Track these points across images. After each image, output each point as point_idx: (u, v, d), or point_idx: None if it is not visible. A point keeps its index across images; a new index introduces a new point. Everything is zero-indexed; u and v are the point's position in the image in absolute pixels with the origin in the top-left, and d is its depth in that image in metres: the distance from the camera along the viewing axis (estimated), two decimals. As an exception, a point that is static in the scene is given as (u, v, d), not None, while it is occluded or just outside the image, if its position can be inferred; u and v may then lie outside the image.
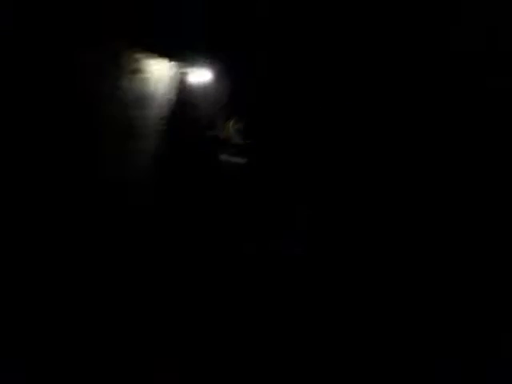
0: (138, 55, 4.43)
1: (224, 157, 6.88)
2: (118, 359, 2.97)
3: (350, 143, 5.53)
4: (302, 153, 6.45)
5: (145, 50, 4.54)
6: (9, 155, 2.50)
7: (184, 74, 5.98)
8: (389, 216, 5.00)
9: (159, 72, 5.23)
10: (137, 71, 4.58)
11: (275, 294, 4.83)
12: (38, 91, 2.75)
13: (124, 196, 4.97)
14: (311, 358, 3.76)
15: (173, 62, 5.50)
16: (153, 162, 5.96)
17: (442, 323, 4.05)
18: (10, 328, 2.50)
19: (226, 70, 6.41)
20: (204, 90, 6.48)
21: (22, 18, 2.36)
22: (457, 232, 4.24)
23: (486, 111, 3.25)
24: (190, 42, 5.29)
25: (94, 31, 3.40)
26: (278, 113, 6.63)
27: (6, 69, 2.33)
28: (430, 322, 4.11)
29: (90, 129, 3.78)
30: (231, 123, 7.04)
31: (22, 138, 2.65)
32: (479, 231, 4.00)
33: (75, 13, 2.95)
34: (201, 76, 6.05)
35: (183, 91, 6.19)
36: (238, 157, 6.75)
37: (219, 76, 6.38)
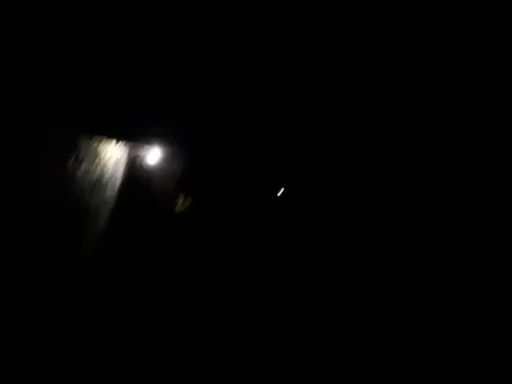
0: (90, 141, 4.65)
1: (170, 233, 6.99)
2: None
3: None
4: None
5: (98, 136, 4.80)
6: None
7: (137, 157, 6.28)
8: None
9: (112, 156, 5.46)
10: (91, 157, 4.77)
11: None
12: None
13: (75, 270, 4.77)
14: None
15: (125, 146, 5.81)
16: (105, 241, 5.81)
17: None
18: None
19: (177, 152, 6.86)
20: (155, 170, 6.79)
21: None
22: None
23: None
24: (142, 128, 5.68)
25: (49, 118, 3.61)
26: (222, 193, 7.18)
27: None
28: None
29: (44, 213, 3.76)
30: (181, 200, 7.29)
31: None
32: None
33: (32, 99, 3.16)
34: (153, 158, 6.41)
35: (136, 173, 6.42)
36: (183, 233, 6.92)
37: (170, 158, 6.81)
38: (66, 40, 2.60)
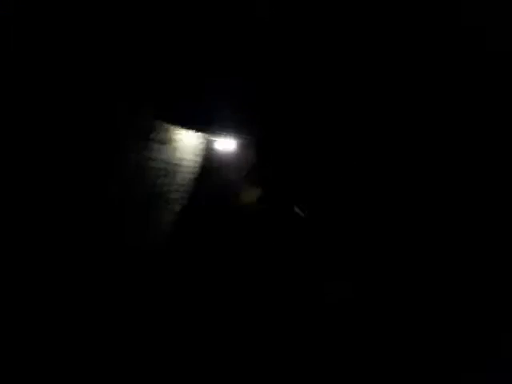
0: (166, 125, 4.79)
1: (243, 222, 6.96)
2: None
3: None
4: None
5: (173, 121, 4.92)
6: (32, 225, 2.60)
7: (210, 144, 6.36)
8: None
9: (186, 141, 5.60)
10: (165, 141, 4.91)
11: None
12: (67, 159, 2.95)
13: (148, 258, 5.00)
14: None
15: (199, 133, 5.92)
16: (177, 227, 6.05)
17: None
18: None
19: (250, 141, 6.77)
20: (228, 159, 6.81)
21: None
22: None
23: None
24: (217, 115, 5.70)
25: (125, 101, 3.75)
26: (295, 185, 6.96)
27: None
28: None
29: (117, 196, 3.94)
30: (253, 191, 7.20)
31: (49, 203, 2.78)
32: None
33: (109, 82, 3.29)
34: (226, 146, 6.42)
35: (209, 160, 6.53)
36: (256, 223, 6.84)
37: (244, 147, 6.75)
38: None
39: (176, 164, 5.51)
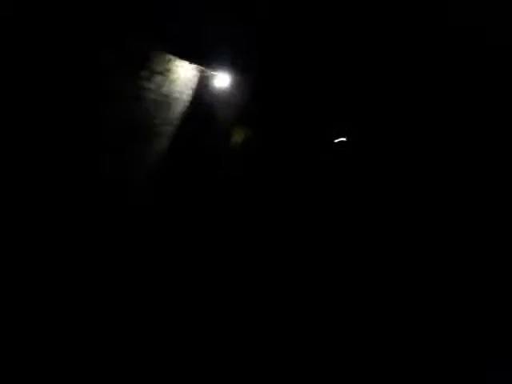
0: (163, 57, 4.71)
1: (231, 158, 7.18)
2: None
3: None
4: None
5: (170, 53, 4.83)
6: (14, 150, 2.79)
7: (206, 78, 6.27)
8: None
9: (182, 74, 5.53)
10: (162, 72, 4.87)
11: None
12: (58, 87, 3.04)
13: (132, 191, 5.31)
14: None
15: (196, 66, 5.81)
16: (166, 158, 6.25)
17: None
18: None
19: (244, 78, 6.70)
20: (223, 94, 6.77)
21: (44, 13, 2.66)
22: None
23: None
24: (214, 50, 5.57)
25: (121, 32, 3.69)
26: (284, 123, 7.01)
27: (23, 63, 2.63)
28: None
29: (111, 125, 4.07)
30: (243, 129, 7.31)
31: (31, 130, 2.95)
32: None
33: (105, 15, 3.25)
34: (221, 81, 6.35)
35: (203, 93, 6.49)
36: (243, 159, 7.04)
37: (238, 83, 6.68)
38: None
39: (169, 96, 5.51)
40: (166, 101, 5.41)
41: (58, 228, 3.56)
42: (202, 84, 6.35)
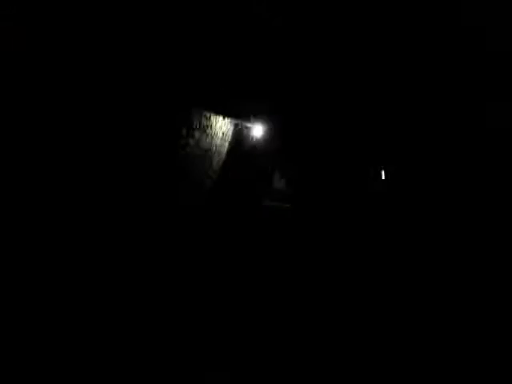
0: (204, 114, 5.29)
1: (270, 202, 7.41)
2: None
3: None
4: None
5: (211, 111, 5.42)
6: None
7: (244, 131, 6.82)
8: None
9: (221, 129, 6.10)
10: (203, 128, 5.43)
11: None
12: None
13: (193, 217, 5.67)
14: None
15: (234, 120, 6.40)
16: (211, 205, 6.65)
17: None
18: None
19: (281, 128, 7.18)
20: (260, 143, 7.25)
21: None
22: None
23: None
24: (251, 107, 6.13)
25: (166, 93, 4.28)
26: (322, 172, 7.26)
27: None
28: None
29: (166, 174, 4.53)
30: (281, 174, 7.62)
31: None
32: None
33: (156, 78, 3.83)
34: (258, 132, 6.88)
35: (242, 144, 7.01)
36: (282, 203, 7.23)
37: (275, 133, 7.17)
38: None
39: (211, 150, 6.04)
40: (204, 154, 5.92)
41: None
42: (237, 135, 6.89)
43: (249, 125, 6.65)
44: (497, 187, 4.07)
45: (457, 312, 4.46)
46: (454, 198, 5.23)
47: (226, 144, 6.68)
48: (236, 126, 6.73)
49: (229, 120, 6.29)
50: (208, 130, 5.66)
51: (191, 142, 5.24)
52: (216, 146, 6.19)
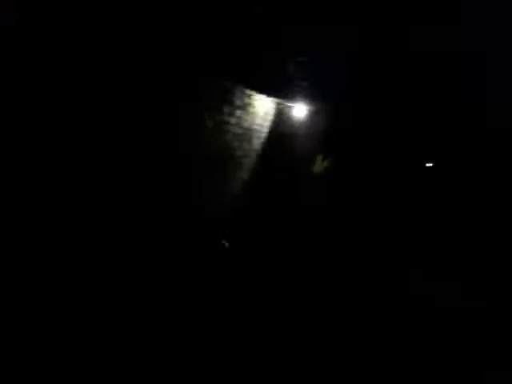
0: (247, 92, 5.17)
1: (308, 187, 7.22)
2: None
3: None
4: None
5: (251, 88, 5.28)
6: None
7: (285, 111, 6.62)
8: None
9: (263, 108, 5.95)
10: (244, 106, 5.32)
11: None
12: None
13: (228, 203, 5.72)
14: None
15: (275, 99, 6.21)
16: (247, 190, 6.62)
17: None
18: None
19: (323, 111, 6.87)
20: (301, 125, 7.01)
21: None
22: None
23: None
24: (290, 82, 5.90)
25: (207, 69, 4.20)
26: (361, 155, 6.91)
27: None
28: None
29: (198, 156, 4.53)
30: (322, 159, 7.33)
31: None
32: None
33: (192, 52, 3.76)
34: (300, 113, 6.63)
35: (283, 125, 6.83)
36: (324, 187, 7.03)
37: (317, 115, 6.88)
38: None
39: (253, 129, 5.94)
40: (246, 133, 5.83)
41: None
42: (280, 115, 6.69)
43: (292, 105, 6.42)
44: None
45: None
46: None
47: (268, 124, 6.53)
48: (278, 105, 6.53)
49: (271, 99, 6.11)
50: (249, 109, 5.54)
51: (232, 120, 5.17)
52: (257, 125, 6.07)
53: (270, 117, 6.53)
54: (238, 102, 5.14)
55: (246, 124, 5.64)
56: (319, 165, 7.44)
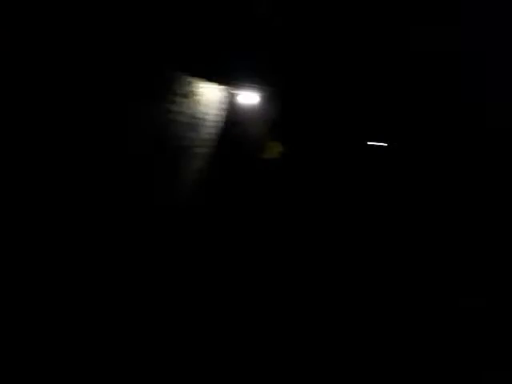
0: (189, 80, 4.93)
1: (262, 174, 7.21)
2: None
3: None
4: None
5: (196, 76, 5.05)
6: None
7: (233, 98, 6.44)
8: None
9: (209, 95, 5.73)
10: (189, 95, 5.09)
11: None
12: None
13: (175, 203, 5.51)
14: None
15: (222, 86, 6.00)
16: (202, 181, 6.44)
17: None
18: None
19: (273, 96, 6.78)
20: (251, 112, 6.89)
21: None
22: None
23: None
24: (240, 70, 5.73)
25: (148, 57, 3.94)
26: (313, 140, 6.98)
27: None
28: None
29: (144, 149, 4.29)
30: (274, 145, 7.32)
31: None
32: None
33: (132, 40, 3.49)
34: (249, 100, 6.48)
35: (232, 113, 6.66)
36: (274, 175, 7.05)
37: (266, 101, 6.77)
38: None
39: (199, 118, 5.72)
40: (192, 122, 5.62)
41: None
42: (227, 103, 6.52)
43: (243, 92, 6.27)
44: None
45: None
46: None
47: (219, 112, 6.34)
48: (229, 93, 6.35)
49: (221, 87, 5.91)
50: (194, 97, 5.31)
51: (176, 109, 4.93)
52: (204, 114, 5.85)
53: (221, 105, 6.34)
54: (181, 90, 4.89)
55: (191, 112, 5.41)
56: (272, 150, 7.42)
